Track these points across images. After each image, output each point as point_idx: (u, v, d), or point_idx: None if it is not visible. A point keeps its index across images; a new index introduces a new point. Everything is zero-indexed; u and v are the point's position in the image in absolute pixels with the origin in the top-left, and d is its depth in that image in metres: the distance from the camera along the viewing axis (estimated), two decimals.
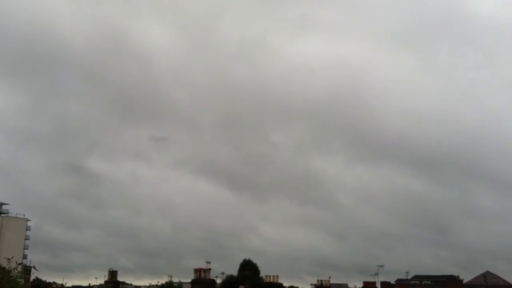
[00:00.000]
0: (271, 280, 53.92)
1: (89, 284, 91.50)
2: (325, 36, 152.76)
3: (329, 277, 62.54)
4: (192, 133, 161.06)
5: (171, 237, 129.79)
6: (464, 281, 76.78)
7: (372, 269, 65.40)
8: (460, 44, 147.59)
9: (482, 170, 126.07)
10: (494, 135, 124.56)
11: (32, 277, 62.04)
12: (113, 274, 54.13)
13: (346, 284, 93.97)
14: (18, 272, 20.04)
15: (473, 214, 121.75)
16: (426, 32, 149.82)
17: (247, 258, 76.70)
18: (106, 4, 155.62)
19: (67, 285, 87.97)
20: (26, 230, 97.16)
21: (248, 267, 72.94)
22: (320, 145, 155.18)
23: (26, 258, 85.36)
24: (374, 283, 58.97)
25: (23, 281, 22.74)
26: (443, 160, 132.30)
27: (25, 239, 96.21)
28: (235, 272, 71.14)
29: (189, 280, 46.00)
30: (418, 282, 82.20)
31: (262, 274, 66.93)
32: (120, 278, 58.96)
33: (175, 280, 68.14)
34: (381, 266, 65.26)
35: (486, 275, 73.06)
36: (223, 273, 69.38)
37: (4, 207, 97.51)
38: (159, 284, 78.92)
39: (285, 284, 62.95)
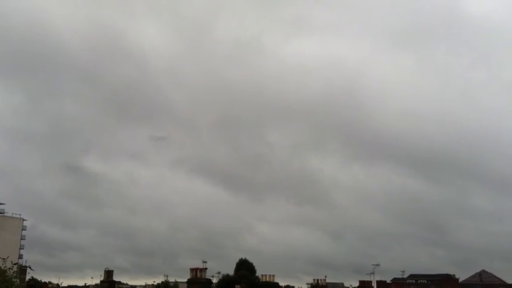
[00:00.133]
0: (267, 280, 54.19)
1: (85, 283, 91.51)
2: (321, 36, 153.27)
3: (325, 276, 63.02)
4: (188, 133, 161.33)
5: (167, 237, 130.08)
6: (460, 280, 77.16)
7: (368, 268, 65.37)
8: (456, 45, 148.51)
9: (478, 170, 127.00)
10: (490, 135, 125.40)
11: (28, 277, 61.80)
12: (109, 273, 54.16)
13: (342, 283, 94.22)
14: (13, 272, 20.01)
15: (469, 214, 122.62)
16: (423, 33, 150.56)
17: (243, 258, 76.56)
18: (102, 5, 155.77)
19: (63, 285, 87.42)
20: (22, 230, 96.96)
21: (244, 267, 72.75)
22: (316, 145, 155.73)
23: (21, 258, 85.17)
24: (370, 282, 59.15)
25: (18, 281, 22.65)
26: (439, 160, 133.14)
27: (21, 239, 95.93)
28: (231, 272, 71.05)
29: (185, 280, 46.11)
30: (414, 281, 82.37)
31: (258, 273, 66.99)
32: (116, 278, 59.00)
33: (171, 279, 68.39)
34: (377, 265, 65.20)
35: (482, 274, 73.57)
36: (219, 273, 69.32)
37: (0, 206, 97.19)
38: (155, 283, 78.98)
39: (281, 284, 63.22)
